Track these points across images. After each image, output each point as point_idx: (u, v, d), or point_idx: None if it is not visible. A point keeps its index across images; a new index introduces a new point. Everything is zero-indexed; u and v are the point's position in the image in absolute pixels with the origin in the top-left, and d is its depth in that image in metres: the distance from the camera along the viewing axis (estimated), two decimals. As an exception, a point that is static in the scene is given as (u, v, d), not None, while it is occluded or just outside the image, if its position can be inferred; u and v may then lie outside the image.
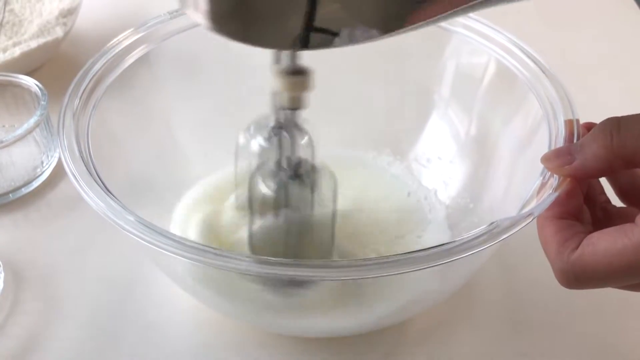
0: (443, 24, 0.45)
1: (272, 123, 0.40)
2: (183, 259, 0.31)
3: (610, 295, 0.45)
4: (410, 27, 0.27)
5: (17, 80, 0.55)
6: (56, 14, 0.64)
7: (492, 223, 0.32)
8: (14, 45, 0.61)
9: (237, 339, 0.43)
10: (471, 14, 0.45)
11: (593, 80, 0.64)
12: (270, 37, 0.27)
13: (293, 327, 0.42)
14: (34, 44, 0.61)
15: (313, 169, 0.40)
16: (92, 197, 0.34)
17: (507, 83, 0.44)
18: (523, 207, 0.34)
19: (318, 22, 0.26)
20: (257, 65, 0.51)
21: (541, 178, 0.35)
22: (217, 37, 0.48)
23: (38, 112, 0.51)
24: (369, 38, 0.27)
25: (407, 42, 0.28)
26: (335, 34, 0.27)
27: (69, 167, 0.36)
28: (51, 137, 0.53)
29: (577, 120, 0.38)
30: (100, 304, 0.45)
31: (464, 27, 0.46)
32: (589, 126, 0.37)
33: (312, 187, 0.40)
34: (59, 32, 0.63)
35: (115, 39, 0.44)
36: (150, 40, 0.45)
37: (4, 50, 0.61)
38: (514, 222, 0.32)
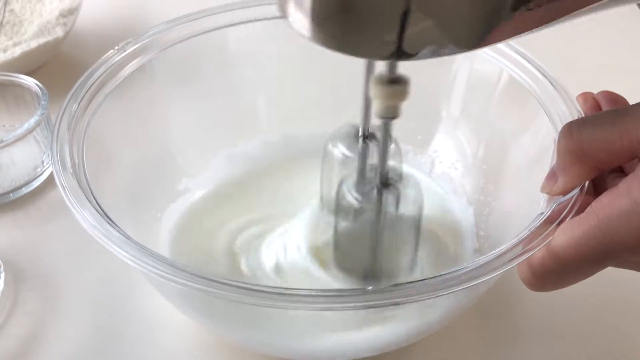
0: None
1: (361, 131, 0.40)
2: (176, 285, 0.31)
3: (612, 298, 0.45)
4: (494, 42, 0.28)
5: (17, 80, 0.55)
6: (56, 14, 0.64)
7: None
8: (15, 45, 0.61)
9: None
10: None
11: (593, 80, 0.64)
12: (367, 47, 0.28)
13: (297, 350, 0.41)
14: (34, 44, 0.61)
15: (401, 178, 0.39)
16: (82, 214, 0.34)
17: (517, 98, 0.44)
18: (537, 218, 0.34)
19: (409, 36, 0.26)
20: (254, 78, 0.51)
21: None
22: (214, 49, 0.48)
23: (38, 112, 0.51)
24: (455, 52, 0.28)
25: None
26: (424, 48, 0.27)
27: (61, 181, 0.35)
28: (52, 136, 0.53)
29: None
30: (100, 304, 0.45)
31: None
32: (610, 96, 0.37)
33: (400, 197, 0.39)
34: (59, 32, 0.63)
35: (110, 51, 0.43)
36: (147, 52, 0.45)
37: (5, 50, 0.61)
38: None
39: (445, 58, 0.45)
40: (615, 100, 0.36)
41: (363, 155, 0.41)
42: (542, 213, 0.33)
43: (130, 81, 0.43)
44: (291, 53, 0.49)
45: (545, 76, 0.42)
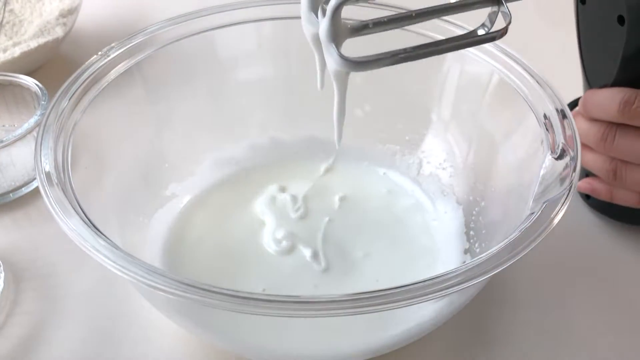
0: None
1: None
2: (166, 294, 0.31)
3: (608, 300, 0.45)
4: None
5: (17, 80, 0.55)
6: (56, 14, 0.64)
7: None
8: (14, 45, 0.61)
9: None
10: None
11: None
12: None
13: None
14: (34, 44, 0.61)
15: None
16: (67, 222, 0.34)
17: (506, 99, 0.44)
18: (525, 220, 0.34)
19: None
20: (241, 82, 0.51)
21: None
22: (201, 52, 0.48)
23: (38, 112, 0.52)
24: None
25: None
26: None
27: (45, 190, 0.35)
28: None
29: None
30: (100, 304, 0.45)
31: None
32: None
33: None
34: (59, 32, 0.63)
35: (98, 54, 0.43)
36: (133, 55, 0.45)
37: (4, 50, 0.61)
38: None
39: (435, 59, 0.45)
40: None
41: None
42: (532, 213, 0.34)
43: (115, 86, 0.43)
44: (279, 56, 0.50)
45: (533, 77, 0.42)
